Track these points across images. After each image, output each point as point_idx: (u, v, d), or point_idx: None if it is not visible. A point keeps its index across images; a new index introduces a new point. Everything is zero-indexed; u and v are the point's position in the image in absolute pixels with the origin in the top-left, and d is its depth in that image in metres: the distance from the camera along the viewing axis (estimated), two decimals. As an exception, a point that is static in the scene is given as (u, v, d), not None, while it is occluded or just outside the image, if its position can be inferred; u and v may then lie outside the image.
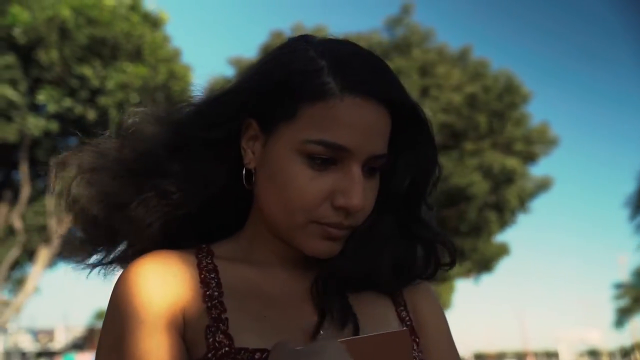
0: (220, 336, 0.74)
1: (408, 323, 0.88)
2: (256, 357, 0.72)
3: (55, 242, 12.58)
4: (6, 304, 15.39)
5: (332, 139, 0.72)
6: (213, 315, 0.75)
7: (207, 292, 0.78)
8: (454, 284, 43.71)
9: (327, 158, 0.74)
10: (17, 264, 13.91)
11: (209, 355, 0.71)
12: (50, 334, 37.98)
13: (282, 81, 0.75)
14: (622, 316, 32.27)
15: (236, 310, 0.77)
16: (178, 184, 0.80)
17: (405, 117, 0.78)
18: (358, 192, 0.74)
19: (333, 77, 0.73)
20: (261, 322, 0.78)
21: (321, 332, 0.79)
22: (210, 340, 0.73)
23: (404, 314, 0.90)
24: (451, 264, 0.90)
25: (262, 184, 0.79)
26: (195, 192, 0.81)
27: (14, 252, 12.68)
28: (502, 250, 20.76)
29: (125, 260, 0.85)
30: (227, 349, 0.72)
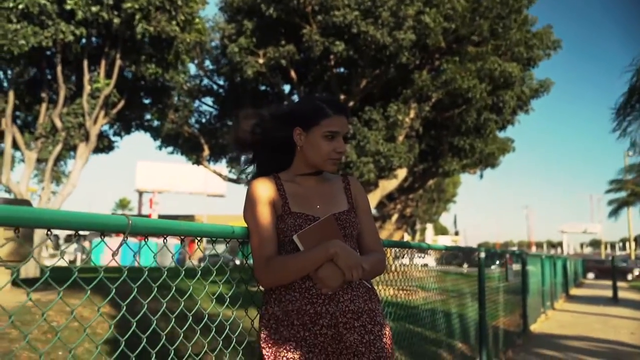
0: (286, 207, 1.89)
1: (349, 203, 2.01)
2: (297, 214, 1.87)
3: (93, 139, 13.85)
4: (54, 193, 16.78)
5: (333, 129, 1.90)
6: (283, 201, 1.91)
7: (280, 193, 1.93)
8: (459, 179, 45.35)
9: (332, 136, 1.91)
10: (59, 160, 15.16)
11: (281, 212, 1.88)
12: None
13: (312, 112, 1.93)
14: (618, 208, 34.05)
15: (292, 199, 1.92)
16: (270, 149, 2.02)
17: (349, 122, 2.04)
18: (342, 145, 1.92)
19: (329, 108, 1.92)
20: (301, 202, 1.93)
21: (318, 206, 1.94)
22: (282, 208, 1.89)
23: (350, 200, 2.03)
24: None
25: (308, 150, 1.92)
26: (275, 150, 2.02)
27: (56, 149, 13.73)
28: (506, 147, 21.51)
29: (253, 177, 2.02)
30: (287, 210, 1.90)
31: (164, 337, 1.74)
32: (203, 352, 1.95)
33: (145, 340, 1.64)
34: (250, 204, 1.90)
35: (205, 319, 1.98)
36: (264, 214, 1.87)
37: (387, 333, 1.91)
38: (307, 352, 1.81)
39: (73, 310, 1.41)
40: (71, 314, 1.40)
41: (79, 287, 1.56)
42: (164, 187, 48.08)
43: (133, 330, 1.59)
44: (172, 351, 1.78)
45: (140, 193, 49.96)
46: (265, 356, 1.85)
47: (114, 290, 1.54)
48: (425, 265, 5.07)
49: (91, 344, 4.80)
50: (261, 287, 1.96)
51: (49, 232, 1.28)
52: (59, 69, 13.29)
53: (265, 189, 1.91)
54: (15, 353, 4.40)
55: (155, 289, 1.73)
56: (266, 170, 2.01)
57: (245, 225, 1.92)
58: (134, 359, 1.58)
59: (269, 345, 1.85)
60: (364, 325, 1.84)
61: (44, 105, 14.04)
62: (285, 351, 1.81)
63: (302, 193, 1.95)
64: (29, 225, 1.27)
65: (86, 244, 33.14)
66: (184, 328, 1.84)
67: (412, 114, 16.16)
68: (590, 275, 27.21)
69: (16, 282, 7.85)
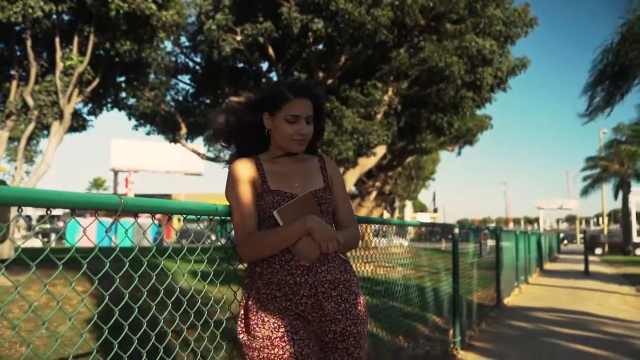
0: (265, 185, 2.00)
1: (325, 182, 2.12)
2: (275, 192, 1.98)
3: (67, 117, 13.67)
4: (27, 173, 16.59)
5: (294, 113, 1.99)
6: (262, 180, 2.01)
7: (259, 172, 2.02)
8: (438, 156, 45.76)
9: (293, 119, 2.00)
10: (31, 139, 14.96)
11: (261, 190, 1.99)
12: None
13: (273, 97, 2.04)
14: (591, 186, 34.86)
15: (271, 178, 2.02)
16: (246, 134, 2.13)
17: (317, 104, 2.09)
18: (304, 128, 2.00)
19: (291, 93, 2.01)
20: (279, 180, 2.03)
21: (295, 184, 2.05)
22: (262, 186, 2.00)
23: (326, 178, 2.14)
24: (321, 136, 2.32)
25: (274, 133, 2.04)
26: (250, 135, 2.13)
27: (29, 128, 13.53)
28: (483, 124, 21.55)
29: (232, 159, 2.12)
30: (266, 188, 2.00)
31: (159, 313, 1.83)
32: (186, 327, 2.07)
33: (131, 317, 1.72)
34: (231, 183, 2.01)
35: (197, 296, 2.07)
36: (245, 192, 1.98)
37: (361, 301, 2.05)
38: (290, 321, 1.91)
39: (46, 284, 1.47)
40: (44, 287, 1.46)
41: (56, 267, 1.58)
42: (140, 166, 47.64)
43: (113, 309, 1.68)
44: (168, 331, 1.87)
45: (116, 172, 49.39)
46: (250, 327, 1.95)
47: (85, 266, 1.63)
48: (401, 245, 5.23)
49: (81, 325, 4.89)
50: (243, 262, 2.08)
51: (19, 210, 1.33)
52: (28, 44, 13.06)
53: (245, 169, 2.02)
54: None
55: (146, 264, 1.83)
56: (246, 152, 2.12)
57: (227, 203, 2.02)
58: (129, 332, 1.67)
59: (253, 315, 1.95)
60: (340, 294, 1.97)
61: (14, 83, 13.82)
62: (269, 320, 1.91)
63: (280, 172, 2.06)
64: (25, 204, 1.31)
65: (59, 224, 32.84)
66: (171, 303, 1.94)
67: (390, 92, 16.31)
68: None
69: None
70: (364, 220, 3.46)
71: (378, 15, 13.67)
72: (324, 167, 2.16)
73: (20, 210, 1.33)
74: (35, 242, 20.98)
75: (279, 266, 1.93)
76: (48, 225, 33.63)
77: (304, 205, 1.95)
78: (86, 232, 1.60)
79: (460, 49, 14.98)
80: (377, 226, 4.57)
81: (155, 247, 2.03)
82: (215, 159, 21.40)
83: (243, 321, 2.00)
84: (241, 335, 1.98)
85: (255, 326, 1.93)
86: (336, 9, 13.75)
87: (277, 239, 1.90)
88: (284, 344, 1.87)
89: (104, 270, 1.67)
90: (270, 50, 16.68)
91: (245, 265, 2.10)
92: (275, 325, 1.90)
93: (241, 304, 2.04)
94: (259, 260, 1.98)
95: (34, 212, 35.70)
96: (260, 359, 1.89)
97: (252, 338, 1.93)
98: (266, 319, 1.92)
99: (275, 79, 18.75)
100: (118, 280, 1.71)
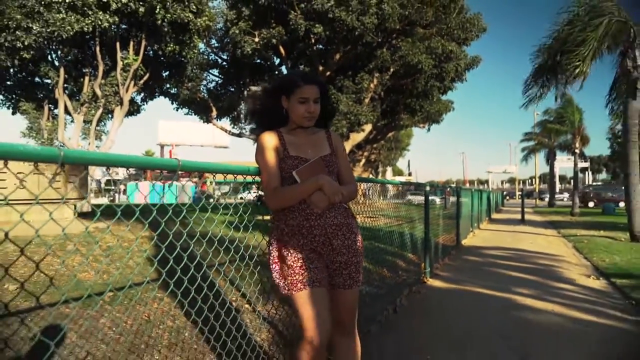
0: (286, 152, 1.96)
1: (331, 149, 2.07)
2: (294, 157, 1.95)
3: (126, 104, 13.69)
4: (97, 147, 16.68)
5: (304, 96, 1.97)
6: (283, 147, 1.97)
7: (281, 142, 1.98)
8: (412, 132, 45.58)
9: (304, 101, 1.98)
10: (100, 122, 15.04)
11: (283, 156, 1.95)
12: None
13: (289, 84, 2.00)
14: (527, 154, 34.96)
15: (290, 146, 1.98)
16: (270, 113, 2.07)
17: (323, 89, 2.06)
18: (312, 107, 1.98)
19: (301, 80, 1.99)
20: (296, 148, 2.00)
21: (309, 151, 2.00)
22: (283, 152, 1.96)
23: (331, 147, 2.08)
24: (331, 116, 2.21)
25: (290, 111, 2.01)
26: (273, 114, 2.07)
27: (98, 113, 13.74)
28: (447, 107, 21.53)
29: (260, 132, 2.04)
30: (287, 154, 1.96)
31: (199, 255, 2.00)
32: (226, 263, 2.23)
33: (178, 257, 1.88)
34: (260, 150, 1.99)
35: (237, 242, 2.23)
36: (271, 157, 1.96)
37: (359, 239, 2.08)
38: (306, 254, 1.95)
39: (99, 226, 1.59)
40: (109, 228, 1.60)
41: (126, 219, 1.63)
42: (180, 141, 47.53)
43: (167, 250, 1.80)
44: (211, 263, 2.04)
45: (162, 146, 49.29)
46: (277, 258, 1.98)
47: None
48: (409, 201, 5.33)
49: (138, 258, 5.07)
50: (270, 210, 2.08)
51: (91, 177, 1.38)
52: (97, 49, 13.04)
53: (270, 139, 2.00)
54: (87, 264, 4.69)
55: (189, 220, 1.99)
56: (270, 126, 2.09)
57: (257, 165, 2.03)
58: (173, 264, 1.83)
59: (278, 250, 1.99)
60: (344, 233, 2.00)
61: (86, 78, 13.80)
62: (291, 253, 1.94)
63: (296, 142, 2.04)
64: (110, 165, 1.31)
65: (121, 187, 32.93)
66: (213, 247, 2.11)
67: (375, 82, 16.21)
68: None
69: (79, 215, 7.98)
70: (362, 180, 3.56)
71: (365, 22, 13.51)
72: (330, 138, 2.13)
73: (88, 170, 1.35)
74: (104, 200, 21.08)
75: (298, 213, 1.95)
76: (113, 187, 33.65)
77: (316, 167, 1.96)
78: (143, 193, 1.66)
79: (429, 48, 14.85)
80: (366, 186, 4.72)
81: (201, 204, 2.09)
82: (239, 135, 21.35)
83: (271, 254, 2.02)
84: (273, 265, 2.00)
85: (281, 258, 1.97)
86: (333, 17, 13.58)
87: (297, 193, 1.92)
88: (302, 271, 1.91)
89: (176, 227, 1.74)
90: (281, 49, 16.51)
91: (271, 214, 2.10)
92: (296, 257, 1.93)
93: (270, 242, 2.06)
94: (282, 209, 1.99)
95: (103, 178, 35.56)
96: (286, 283, 1.93)
97: (279, 267, 1.97)
98: (289, 252, 1.95)
99: (285, 71, 18.60)
100: (165, 227, 1.78)
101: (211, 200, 11.56)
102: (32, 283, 3.76)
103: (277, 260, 1.99)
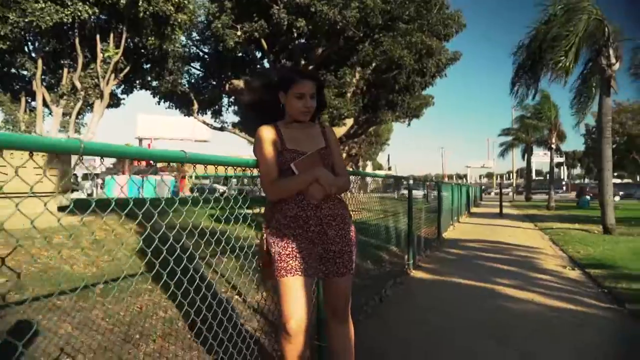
0: (283, 145, 2.03)
1: (326, 143, 2.13)
2: (291, 150, 2.02)
3: (106, 96, 13.46)
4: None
5: (301, 91, 2.05)
6: (282, 141, 2.04)
7: (279, 135, 2.05)
8: (392, 126, 45.92)
9: (300, 96, 2.06)
10: (79, 114, 14.71)
11: (280, 149, 2.01)
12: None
13: (286, 80, 2.07)
14: (505, 150, 35.72)
15: (287, 140, 2.05)
16: (268, 107, 2.17)
17: (319, 84, 2.14)
18: (309, 102, 2.06)
19: (298, 76, 2.08)
20: (293, 142, 2.06)
21: (306, 144, 2.05)
22: (281, 146, 2.02)
23: (326, 141, 2.14)
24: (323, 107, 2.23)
25: (287, 106, 2.08)
26: (271, 108, 2.17)
27: (77, 105, 13.36)
28: (428, 102, 21.48)
29: (260, 125, 2.09)
30: (284, 147, 2.03)
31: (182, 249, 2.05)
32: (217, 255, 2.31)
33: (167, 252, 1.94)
34: (259, 143, 2.05)
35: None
36: (269, 150, 2.01)
37: (352, 229, 2.15)
38: (301, 242, 2.00)
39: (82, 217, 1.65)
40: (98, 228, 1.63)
41: (106, 212, 1.63)
42: (159, 135, 46.92)
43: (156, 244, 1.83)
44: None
45: (140, 140, 48.60)
46: (271, 246, 2.02)
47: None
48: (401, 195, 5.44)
49: (124, 251, 5.09)
50: (269, 200, 2.12)
51: (80, 159, 1.43)
52: (76, 40, 12.70)
53: (268, 132, 2.05)
54: (76, 258, 4.69)
55: (171, 213, 2.06)
56: (268, 120, 2.14)
57: (255, 158, 2.08)
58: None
59: (274, 239, 2.02)
60: (338, 224, 2.07)
61: (65, 70, 13.46)
62: (287, 241, 1.99)
63: (293, 135, 2.09)
64: (107, 155, 1.30)
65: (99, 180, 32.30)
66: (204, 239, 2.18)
67: (357, 76, 16.31)
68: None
69: (60, 209, 7.91)
70: (351, 173, 3.68)
71: (347, 16, 13.56)
72: (325, 132, 2.19)
73: (80, 159, 1.40)
74: (80, 195, 20.68)
75: (294, 204, 2.01)
76: (90, 182, 32.93)
77: (312, 160, 2.02)
78: (121, 188, 1.72)
79: (411, 44, 14.94)
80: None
81: (190, 198, 2.09)
82: (220, 129, 21.23)
83: (265, 243, 2.06)
84: (264, 254, 2.06)
85: (277, 246, 2.00)
86: (315, 10, 13.58)
87: (295, 185, 1.98)
88: (289, 259, 1.95)
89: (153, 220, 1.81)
90: (264, 43, 16.45)
91: (267, 205, 2.14)
92: (288, 245, 1.98)
93: (264, 231, 2.10)
94: (279, 200, 2.05)
95: (79, 172, 34.79)
96: (280, 268, 1.96)
97: (275, 253, 2.00)
98: (283, 241, 1.99)
99: (267, 66, 18.53)
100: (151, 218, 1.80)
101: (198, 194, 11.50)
102: (23, 276, 3.76)
103: (269, 248, 2.05)
